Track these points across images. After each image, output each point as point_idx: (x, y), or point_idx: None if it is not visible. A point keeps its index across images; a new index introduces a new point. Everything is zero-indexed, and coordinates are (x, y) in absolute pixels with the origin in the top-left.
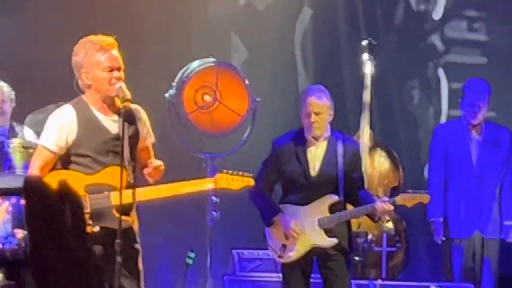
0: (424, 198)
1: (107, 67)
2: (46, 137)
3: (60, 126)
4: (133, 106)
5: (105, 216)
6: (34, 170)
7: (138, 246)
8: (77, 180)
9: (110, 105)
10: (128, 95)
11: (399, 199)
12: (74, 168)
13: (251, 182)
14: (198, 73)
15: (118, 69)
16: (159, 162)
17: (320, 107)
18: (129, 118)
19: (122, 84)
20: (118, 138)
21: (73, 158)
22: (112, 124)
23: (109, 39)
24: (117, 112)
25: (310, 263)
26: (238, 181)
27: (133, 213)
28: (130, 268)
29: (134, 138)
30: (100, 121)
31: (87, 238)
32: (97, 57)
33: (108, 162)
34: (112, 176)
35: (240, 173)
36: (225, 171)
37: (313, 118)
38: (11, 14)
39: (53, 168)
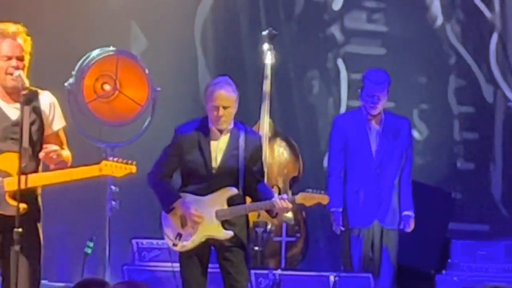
0: (324, 198)
1: (4, 55)
2: None
3: None
4: (41, 92)
5: None
6: None
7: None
8: None
9: (12, 93)
10: (27, 83)
11: (299, 197)
12: None
13: (133, 170)
14: (97, 62)
15: (18, 58)
16: (53, 148)
17: (229, 101)
18: (28, 104)
19: (21, 72)
20: (17, 124)
21: None
22: (13, 111)
23: (12, 27)
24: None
25: (207, 253)
26: (121, 169)
27: (37, 200)
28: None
29: (37, 124)
30: (1, 109)
31: None
32: None
33: (5, 148)
34: (7, 162)
35: (125, 161)
36: (110, 158)
37: (221, 112)
38: None
39: None
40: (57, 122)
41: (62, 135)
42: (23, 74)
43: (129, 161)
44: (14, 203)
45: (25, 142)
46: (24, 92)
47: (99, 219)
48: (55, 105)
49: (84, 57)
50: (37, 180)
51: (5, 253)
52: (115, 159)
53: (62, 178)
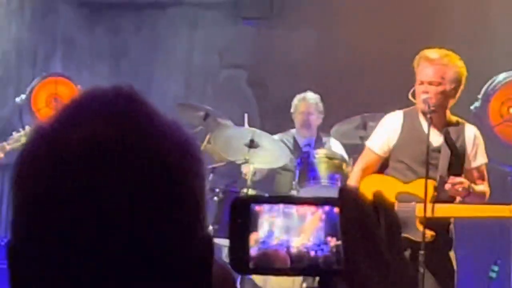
0: None
1: (418, 80)
2: (372, 140)
3: (385, 130)
4: (467, 125)
5: (408, 226)
6: (356, 170)
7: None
8: (390, 185)
9: (437, 117)
10: (430, 108)
11: None
12: (390, 173)
13: None
14: (503, 86)
15: (429, 83)
16: (458, 180)
17: None
18: (447, 133)
19: (426, 97)
20: (438, 151)
21: (391, 163)
22: (437, 138)
23: (435, 53)
24: (445, 125)
25: None
26: None
27: (449, 228)
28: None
29: (458, 156)
30: (424, 132)
31: (401, 251)
32: (418, 70)
33: (422, 173)
34: (422, 188)
35: None
36: None
37: None
38: (316, 25)
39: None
40: (479, 157)
41: (482, 171)
42: (428, 99)
43: None
44: (427, 231)
45: (443, 170)
46: (429, 116)
47: (503, 242)
48: (479, 140)
49: (490, 81)
50: (446, 210)
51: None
52: None
53: (470, 213)
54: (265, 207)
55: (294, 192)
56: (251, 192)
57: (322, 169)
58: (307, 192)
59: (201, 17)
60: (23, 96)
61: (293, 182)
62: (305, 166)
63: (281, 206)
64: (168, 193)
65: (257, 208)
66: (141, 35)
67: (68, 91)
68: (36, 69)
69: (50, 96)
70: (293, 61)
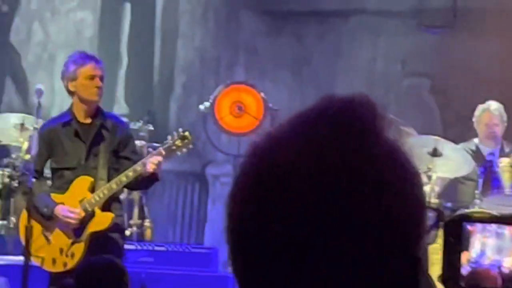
0: None
1: None
2: None
3: None
4: None
5: None
6: None
7: None
8: None
9: None
10: None
11: None
12: None
13: None
14: None
15: None
16: None
17: None
18: None
19: None
20: None
21: None
22: None
23: None
24: None
25: None
26: None
27: None
28: None
29: None
30: None
31: None
32: None
33: None
34: None
35: None
36: None
37: None
38: (499, 33)
39: None
40: None
41: None
42: None
43: None
44: None
45: None
46: None
47: None
48: None
49: None
50: None
51: None
52: None
53: None
54: (478, 226)
55: (477, 202)
56: (433, 201)
57: (506, 178)
58: (490, 202)
59: (384, 25)
60: (207, 104)
61: (476, 192)
62: (488, 175)
63: (494, 226)
64: (382, 215)
65: (470, 227)
66: (323, 43)
67: (251, 98)
68: (220, 77)
69: (233, 104)
70: (476, 70)
